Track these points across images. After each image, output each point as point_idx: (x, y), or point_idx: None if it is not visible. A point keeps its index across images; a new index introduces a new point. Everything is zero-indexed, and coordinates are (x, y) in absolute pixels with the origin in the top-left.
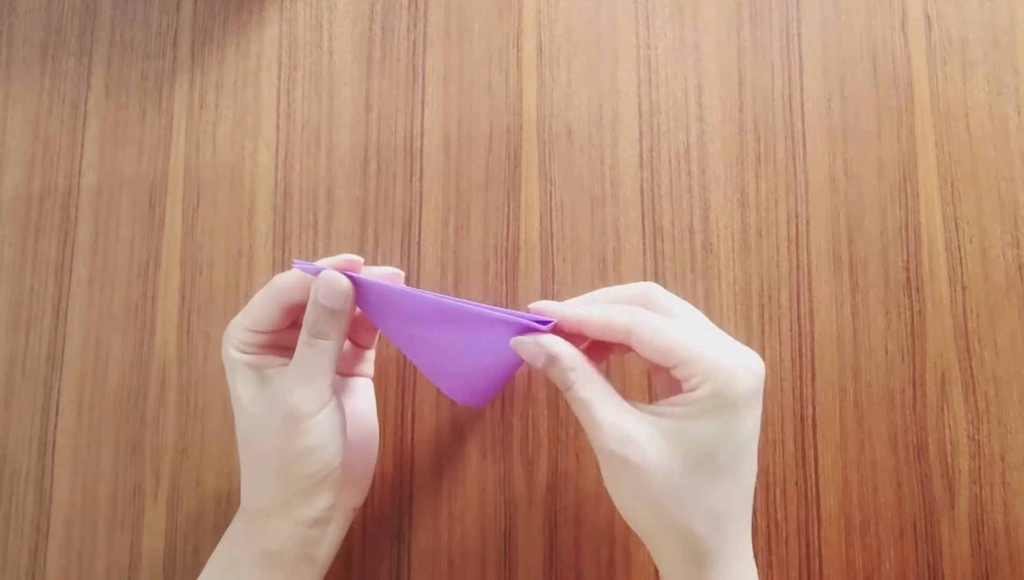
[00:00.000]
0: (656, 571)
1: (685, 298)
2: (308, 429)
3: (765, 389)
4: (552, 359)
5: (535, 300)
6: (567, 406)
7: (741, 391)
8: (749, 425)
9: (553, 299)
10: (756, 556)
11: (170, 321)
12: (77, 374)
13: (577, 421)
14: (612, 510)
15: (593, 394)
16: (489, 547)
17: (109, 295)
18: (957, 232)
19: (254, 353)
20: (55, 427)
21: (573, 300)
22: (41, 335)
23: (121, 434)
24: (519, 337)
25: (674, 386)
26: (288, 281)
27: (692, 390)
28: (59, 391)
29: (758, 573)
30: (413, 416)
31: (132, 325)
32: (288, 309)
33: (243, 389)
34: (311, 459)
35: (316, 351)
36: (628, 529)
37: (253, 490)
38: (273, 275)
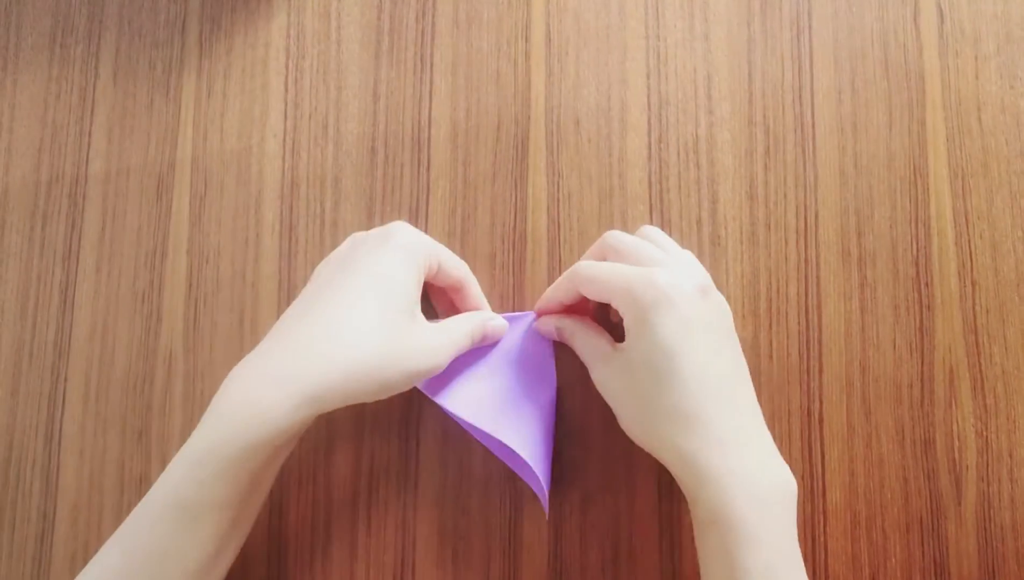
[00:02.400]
0: (659, 562)
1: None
2: (416, 361)
3: (772, 380)
4: (559, 329)
5: (541, 291)
6: (572, 397)
7: (644, 304)
8: (668, 328)
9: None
10: None
11: (177, 309)
12: (84, 361)
13: (582, 413)
14: (616, 502)
15: (582, 343)
16: (494, 538)
17: (116, 283)
18: (967, 227)
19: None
20: (62, 414)
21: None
22: (48, 323)
23: (127, 422)
24: (538, 323)
25: None
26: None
27: (622, 320)
28: (66, 378)
29: None
30: (419, 406)
31: (139, 313)
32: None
33: (408, 278)
34: (388, 371)
35: (461, 339)
36: (632, 521)
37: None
38: (280, 264)
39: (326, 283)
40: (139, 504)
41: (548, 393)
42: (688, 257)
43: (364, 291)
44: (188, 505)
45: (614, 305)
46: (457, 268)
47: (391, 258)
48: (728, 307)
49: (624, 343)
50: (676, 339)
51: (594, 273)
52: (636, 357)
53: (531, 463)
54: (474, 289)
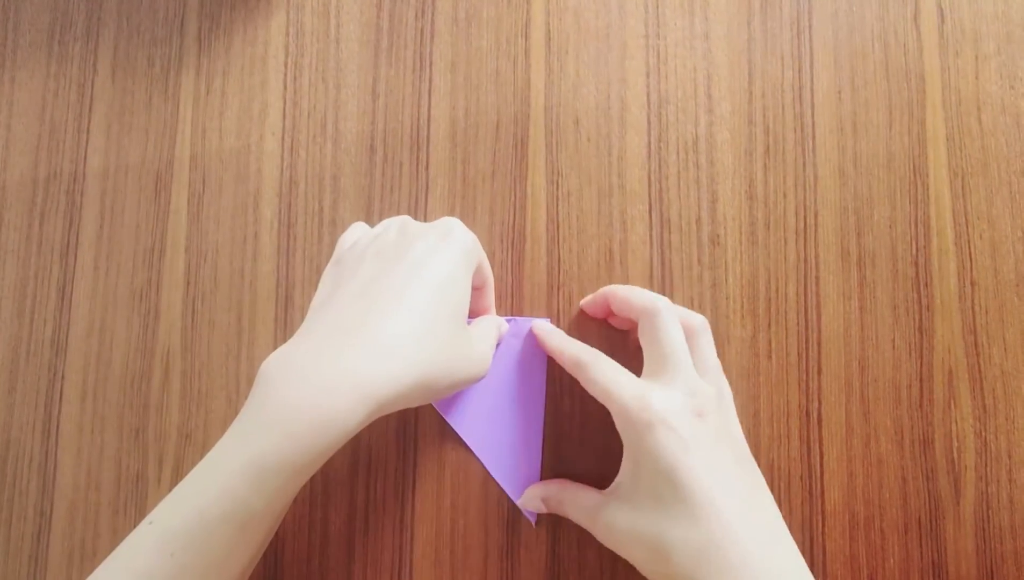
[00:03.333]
0: None
1: (691, 291)
2: (466, 371)
3: (770, 380)
4: (544, 500)
5: (540, 290)
6: (569, 400)
7: (636, 424)
8: (663, 454)
9: (557, 289)
10: None
11: (174, 307)
12: (81, 359)
13: (581, 415)
14: None
15: (572, 505)
16: (492, 538)
17: (114, 280)
18: (967, 227)
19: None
20: (59, 412)
21: (599, 292)
22: (46, 320)
23: (125, 419)
24: (523, 500)
25: None
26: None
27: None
28: (63, 376)
29: None
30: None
31: (136, 310)
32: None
33: (467, 284)
34: (440, 372)
35: (493, 347)
36: None
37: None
38: (278, 262)
39: (385, 275)
40: (189, 510)
41: (538, 400)
42: (707, 376)
43: (431, 294)
44: (253, 514)
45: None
46: (488, 269)
47: (456, 261)
48: (734, 415)
49: (618, 477)
50: (678, 458)
51: (593, 372)
52: (629, 464)
53: (504, 485)
54: (491, 289)
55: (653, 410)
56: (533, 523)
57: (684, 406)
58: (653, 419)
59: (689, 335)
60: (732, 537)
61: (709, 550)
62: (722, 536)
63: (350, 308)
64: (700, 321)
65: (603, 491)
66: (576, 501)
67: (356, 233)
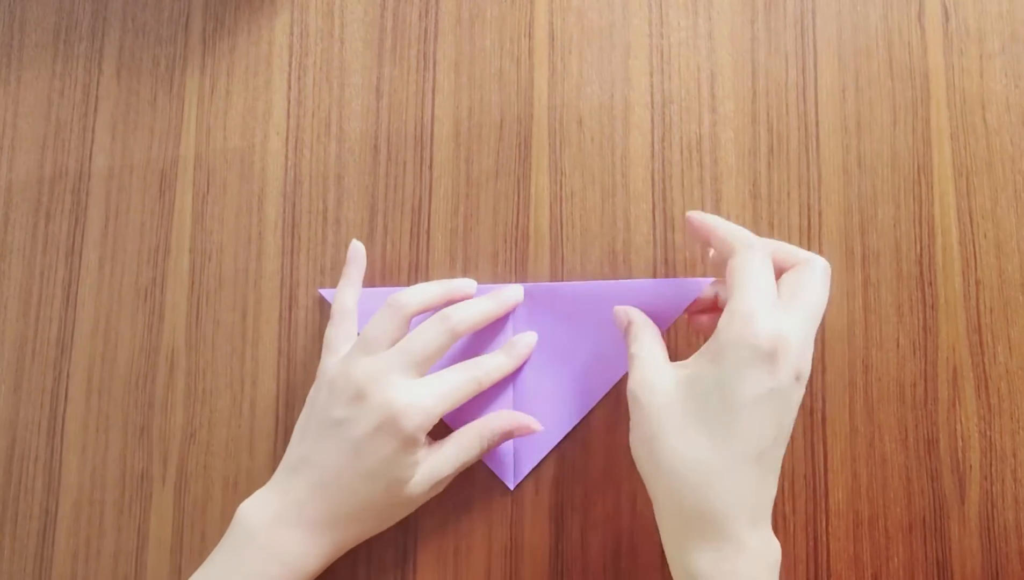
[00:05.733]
0: (661, 560)
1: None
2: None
3: None
4: (629, 323)
5: None
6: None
7: (740, 346)
8: (746, 385)
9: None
10: None
11: (179, 306)
12: (86, 358)
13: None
14: (618, 499)
15: (639, 350)
16: (495, 536)
17: (119, 279)
18: (971, 226)
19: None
20: (64, 411)
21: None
22: (51, 319)
23: (129, 418)
24: (618, 307)
25: None
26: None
27: (711, 338)
28: (68, 375)
29: None
30: None
31: (141, 310)
32: None
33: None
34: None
35: (468, 451)
36: (634, 519)
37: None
38: (282, 262)
39: (330, 442)
40: None
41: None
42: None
43: (375, 479)
44: None
45: (729, 304)
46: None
47: (384, 448)
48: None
49: (691, 360)
50: (749, 405)
51: (742, 276)
52: (697, 382)
53: (500, 474)
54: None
55: (767, 345)
56: (511, 487)
57: (802, 359)
58: (761, 353)
59: (795, 269)
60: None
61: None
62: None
63: (308, 464)
64: (811, 257)
65: (676, 363)
66: (646, 342)
67: (341, 342)
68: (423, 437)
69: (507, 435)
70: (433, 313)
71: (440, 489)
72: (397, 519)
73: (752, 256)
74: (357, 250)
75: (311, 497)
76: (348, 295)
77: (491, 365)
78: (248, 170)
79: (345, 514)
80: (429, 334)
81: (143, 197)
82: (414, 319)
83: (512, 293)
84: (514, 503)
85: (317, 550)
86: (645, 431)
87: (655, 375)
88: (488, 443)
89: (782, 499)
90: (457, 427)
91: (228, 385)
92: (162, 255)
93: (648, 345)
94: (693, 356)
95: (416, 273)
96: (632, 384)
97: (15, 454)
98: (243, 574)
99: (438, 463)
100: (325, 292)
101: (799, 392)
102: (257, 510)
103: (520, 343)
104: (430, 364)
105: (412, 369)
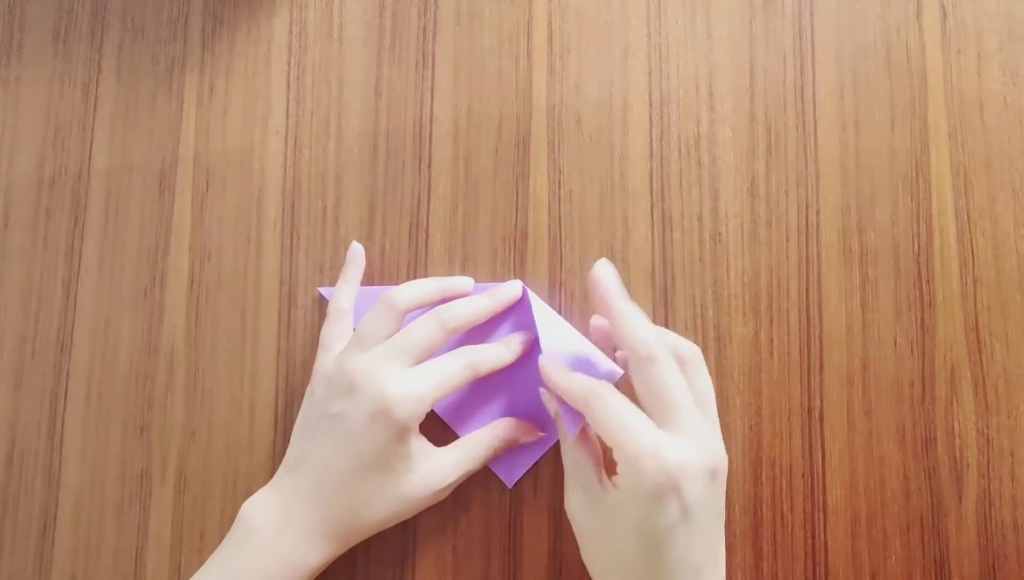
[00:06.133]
0: None
1: (693, 289)
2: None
3: (772, 378)
4: (556, 414)
5: (542, 289)
6: None
7: (646, 486)
8: (657, 521)
9: (559, 288)
10: (761, 548)
11: (179, 305)
12: (86, 357)
13: None
14: None
15: (569, 465)
16: (494, 535)
17: (119, 279)
18: (969, 224)
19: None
20: (64, 410)
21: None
22: (51, 318)
23: (129, 417)
24: (544, 392)
25: None
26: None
27: (618, 474)
28: (68, 374)
29: (763, 565)
30: None
31: (141, 309)
32: None
33: (406, 454)
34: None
35: (472, 458)
36: None
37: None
38: (281, 261)
39: (327, 437)
40: None
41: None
42: (707, 417)
43: (373, 471)
44: None
45: (614, 455)
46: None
47: (379, 438)
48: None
49: (615, 490)
50: (666, 539)
51: (603, 412)
52: (614, 519)
53: (498, 472)
54: (442, 295)
55: (668, 469)
56: (509, 486)
57: (699, 465)
58: (665, 483)
59: (683, 367)
60: None
61: None
62: None
63: (308, 463)
64: (693, 352)
65: (603, 479)
66: (577, 458)
67: (336, 340)
68: (415, 426)
69: (513, 443)
70: (428, 310)
71: (444, 495)
72: (401, 518)
73: (655, 370)
74: (356, 251)
75: (312, 494)
76: (344, 295)
77: (486, 352)
78: (247, 169)
79: (346, 510)
80: (421, 330)
81: (143, 197)
82: (409, 316)
83: (510, 290)
84: (512, 502)
85: (319, 548)
86: (584, 544)
87: (578, 499)
88: (494, 450)
89: (779, 498)
90: (462, 430)
91: (227, 384)
92: (161, 255)
93: (575, 460)
94: (615, 480)
95: (415, 272)
96: (567, 502)
97: (15, 453)
98: (246, 573)
99: (442, 467)
100: (324, 291)
101: (713, 501)
102: (259, 508)
103: (517, 338)
104: (423, 357)
105: (404, 360)
